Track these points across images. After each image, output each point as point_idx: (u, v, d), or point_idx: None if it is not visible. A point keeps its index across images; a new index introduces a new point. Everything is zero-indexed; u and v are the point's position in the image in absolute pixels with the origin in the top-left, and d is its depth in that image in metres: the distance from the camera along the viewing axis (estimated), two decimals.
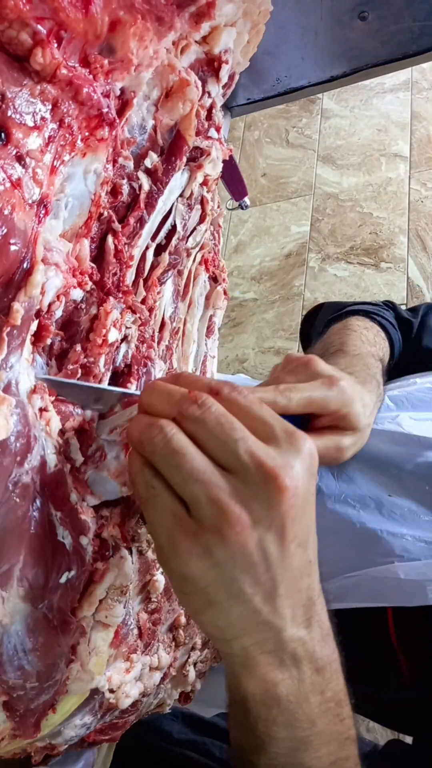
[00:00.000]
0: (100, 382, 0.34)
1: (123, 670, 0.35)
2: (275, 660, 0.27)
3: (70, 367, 0.31)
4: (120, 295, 0.35)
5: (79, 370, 0.32)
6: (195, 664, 0.48)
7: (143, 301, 0.38)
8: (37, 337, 0.29)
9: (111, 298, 0.34)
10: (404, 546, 0.41)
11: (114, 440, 0.34)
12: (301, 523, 0.26)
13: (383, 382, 0.50)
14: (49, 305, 0.29)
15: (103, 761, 0.49)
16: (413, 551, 0.40)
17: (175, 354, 0.50)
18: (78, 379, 0.32)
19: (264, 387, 0.39)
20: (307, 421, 0.40)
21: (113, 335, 0.34)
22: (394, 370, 0.54)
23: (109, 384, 0.36)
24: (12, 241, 0.24)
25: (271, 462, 0.26)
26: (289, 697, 0.27)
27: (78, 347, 0.32)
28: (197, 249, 0.48)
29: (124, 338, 0.36)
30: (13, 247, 0.24)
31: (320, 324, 0.64)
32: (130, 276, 0.36)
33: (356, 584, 0.41)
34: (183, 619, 0.45)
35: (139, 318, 0.36)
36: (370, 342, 0.53)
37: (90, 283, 0.32)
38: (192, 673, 0.47)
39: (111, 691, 0.35)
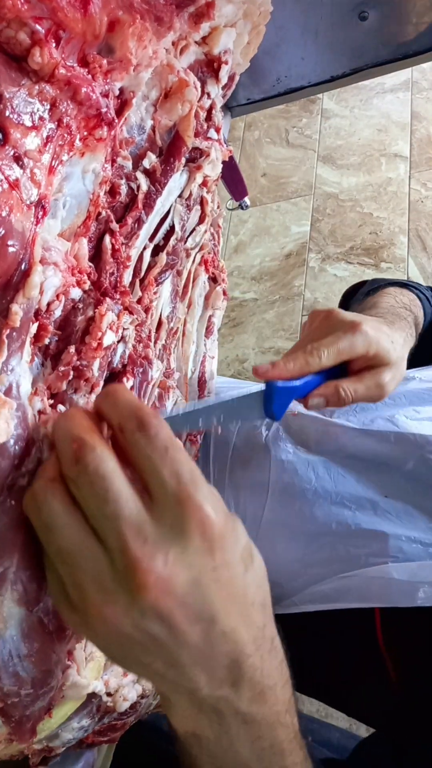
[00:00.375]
0: (92, 387, 0.33)
1: (120, 673, 0.35)
2: (194, 709, 0.26)
3: (62, 368, 0.31)
4: (117, 296, 0.35)
5: (71, 372, 0.31)
6: None
7: (139, 301, 0.38)
8: (36, 337, 0.29)
9: (108, 299, 0.33)
10: (399, 546, 0.41)
11: None
12: (188, 610, 0.23)
13: (415, 332, 0.52)
14: (48, 304, 0.29)
15: (103, 761, 0.49)
16: (408, 552, 0.40)
17: (174, 354, 0.50)
18: (69, 381, 0.32)
19: (293, 352, 0.42)
20: (344, 368, 0.43)
21: (109, 338, 0.33)
22: (418, 356, 0.54)
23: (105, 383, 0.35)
24: (9, 242, 0.24)
25: (137, 549, 0.22)
26: (211, 742, 0.27)
27: (72, 348, 0.31)
28: (197, 249, 0.48)
29: (121, 338, 0.36)
30: (10, 249, 0.24)
31: (360, 296, 0.66)
32: (127, 276, 0.36)
33: (349, 585, 0.41)
34: None
35: (136, 318, 0.36)
36: (403, 304, 0.55)
37: (88, 283, 0.32)
38: None
39: (108, 694, 0.34)
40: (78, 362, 0.32)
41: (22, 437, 0.26)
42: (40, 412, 0.28)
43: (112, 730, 0.42)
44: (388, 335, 0.43)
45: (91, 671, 0.30)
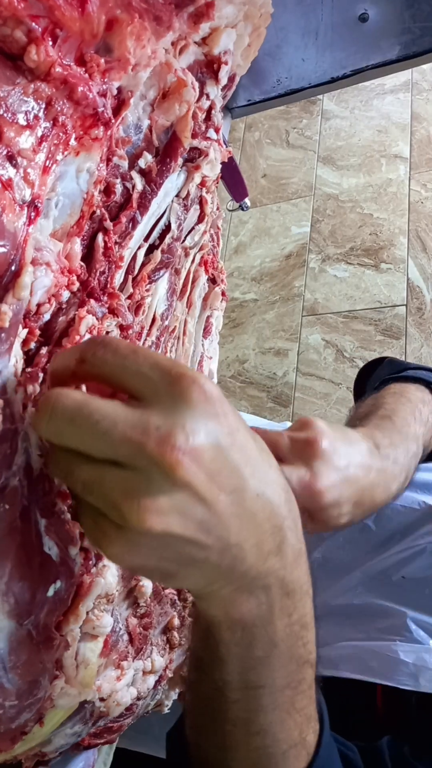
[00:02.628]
0: None
1: (114, 678, 0.34)
2: (245, 591, 0.26)
3: (29, 369, 0.29)
4: (104, 299, 0.34)
5: (40, 374, 0.29)
6: None
7: (130, 297, 0.37)
8: (23, 341, 0.29)
9: (92, 300, 0.32)
10: (409, 627, 0.41)
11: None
12: (218, 478, 0.23)
13: (414, 467, 0.47)
14: (38, 306, 0.28)
15: (104, 761, 0.49)
16: (416, 634, 0.41)
17: (173, 353, 0.50)
18: (39, 385, 0.30)
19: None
20: None
21: None
22: None
23: None
24: (1, 243, 0.24)
25: (152, 439, 0.22)
26: (255, 621, 0.26)
27: (44, 350, 0.30)
28: (196, 249, 0.48)
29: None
30: (1, 249, 0.24)
31: (376, 380, 0.61)
32: (118, 277, 0.35)
33: (354, 655, 0.42)
34: (177, 621, 0.45)
35: (121, 321, 0.35)
36: (421, 421, 0.50)
37: (77, 284, 0.31)
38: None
39: (101, 699, 0.34)
40: (48, 365, 0.30)
41: (10, 433, 0.26)
42: (24, 405, 0.27)
43: (109, 732, 0.42)
44: (354, 498, 0.38)
45: (85, 678, 0.30)
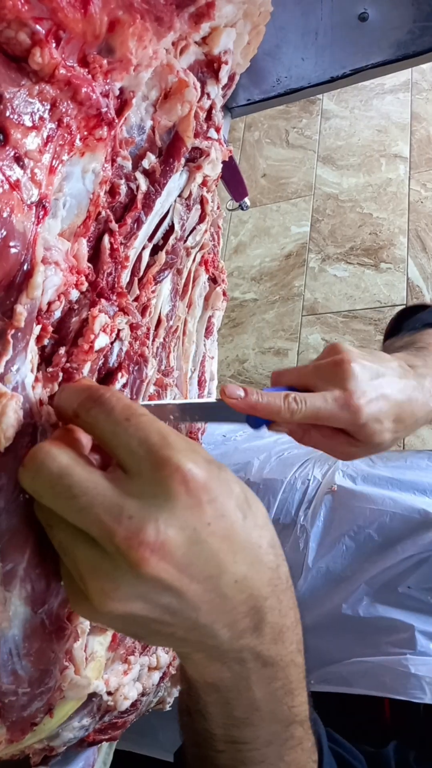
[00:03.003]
0: None
1: (121, 672, 0.35)
2: (217, 660, 0.26)
3: (50, 369, 0.30)
4: (113, 298, 0.34)
5: (60, 374, 0.30)
6: None
7: (137, 299, 0.38)
8: (37, 338, 0.29)
9: (103, 300, 0.33)
10: (419, 640, 0.41)
11: None
12: (190, 569, 0.23)
13: None
14: (49, 304, 0.29)
15: (104, 760, 0.49)
16: (426, 646, 0.41)
17: (174, 353, 0.50)
18: (58, 384, 0.31)
19: (282, 377, 0.39)
20: None
21: (102, 341, 0.33)
22: None
23: (100, 383, 0.35)
24: (11, 243, 0.24)
25: (123, 530, 0.21)
26: (230, 687, 0.26)
27: (62, 350, 0.31)
28: (197, 249, 0.48)
29: (117, 337, 0.36)
30: (12, 250, 0.24)
31: (417, 321, 0.60)
32: (125, 277, 0.36)
33: (366, 671, 0.42)
34: None
35: (131, 319, 0.36)
36: None
37: (86, 284, 0.32)
38: None
39: (109, 693, 0.35)
40: (68, 364, 0.31)
41: (30, 429, 0.26)
42: (41, 401, 0.28)
43: (114, 728, 0.42)
44: (394, 414, 0.38)
45: (92, 671, 0.30)
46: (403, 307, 0.69)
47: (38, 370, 0.29)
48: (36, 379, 0.28)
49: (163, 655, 0.41)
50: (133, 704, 0.40)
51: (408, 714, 0.42)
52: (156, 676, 0.41)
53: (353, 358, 0.37)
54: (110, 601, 0.22)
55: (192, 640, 0.25)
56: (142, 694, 0.39)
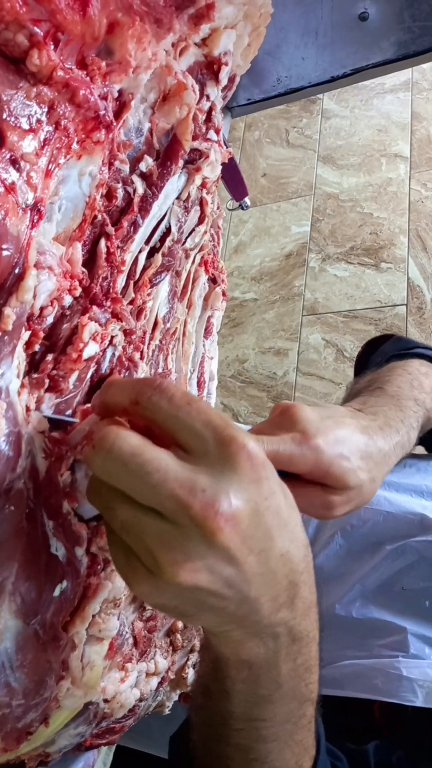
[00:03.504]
0: (67, 399, 0.32)
1: (118, 680, 0.34)
2: (255, 636, 0.27)
3: (35, 376, 0.29)
4: (107, 304, 0.34)
5: (46, 381, 0.30)
6: (194, 666, 0.47)
7: (132, 302, 0.37)
8: (27, 343, 0.29)
9: (95, 307, 0.32)
10: (412, 643, 0.41)
11: (79, 459, 0.32)
12: (250, 542, 0.24)
13: (418, 431, 0.44)
14: (42, 309, 0.29)
15: (103, 761, 0.49)
16: (419, 649, 0.41)
17: (174, 354, 0.50)
18: (45, 391, 0.30)
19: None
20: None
21: (91, 350, 0.32)
22: None
23: (93, 390, 0.34)
24: (4, 246, 0.24)
25: (198, 502, 0.23)
26: (262, 663, 0.28)
27: (50, 356, 0.30)
28: (196, 250, 0.48)
29: (111, 342, 0.35)
30: (5, 252, 0.24)
31: (381, 355, 0.58)
32: (120, 282, 0.35)
33: (358, 673, 0.42)
34: (180, 624, 0.45)
35: (125, 325, 0.35)
36: (421, 388, 0.47)
37: (79, 289, 0.31)
38: (191, 675, 0.47)
39: (105, 701, 0.34)
40: (54, 372, 0.30)
41: (13, 436, 0.26)
42: (27, 408, 0.28)
43: (111, 733, 0.42)
44: (357, 451, 0.36)
45: (90, 680, 0.30)
46: (369, 339, 0.67)
47: (25, 375, 0.29)
48: (22, 386, 0.27)
49: (162, 661, 0.41)
50: (131, 710, 0.39)
51: (397, 716, 0.42)
52: (154, 681, 0.41)
53: (298, 405, 0.36)
54: (182, 572, 0.23)
55: (239, 614, 0.26)
56: (140, 700, 0.39)
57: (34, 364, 0.30)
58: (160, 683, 0.42)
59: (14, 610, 0.25)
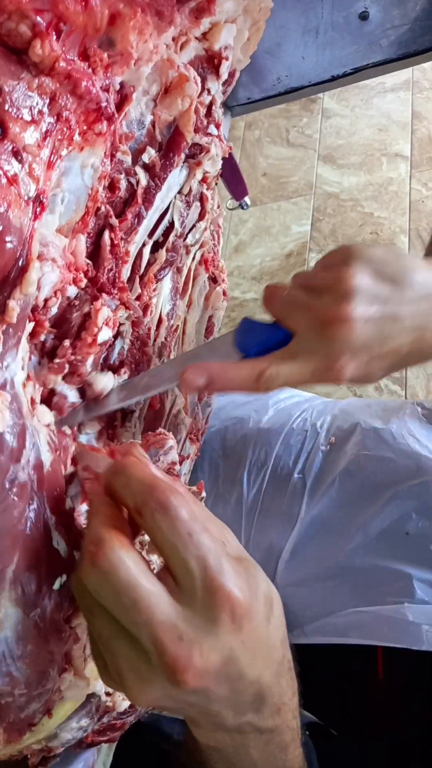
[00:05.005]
0: (81, 382, 0.33)
1: None
2: (220, 732, 0.28)
3: (57, 361, 0.31)
4: (115, 292, 0.34)
5: (66, 366, 0.31)
6: None
7: (138, 298, 0.38)
8: (31, 333, 0.29)
9: (104, 294, 0.33)
10: (418, 588, 0.40)
11: (79, 477, 0.32)
12: (216, 682, 0.25)
13: None
14: (45, 301, 0.29)
15: (103, 762, 0.49)
16: (426, 594, 0.40)
17: (175, 353, 0.50)
18: (64, 377, 0.32)
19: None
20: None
21: (105, 334, 0.33)
22: None
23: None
24: (7, 238, 0.24)
25: (173, 650, 0.23)
26: (230, 752, 0.29)
27: (67, 342, 0.31)
28: (197, 247, 0.48)
29: (118, 334, 0.36)
30: (8, 245, 0.24)
31: None
32: (125, 272, 0.36)
33: (362, 621, 0.41)
34: None
35: (132, 314, 0.36)
36: None
37: (85, 280, 0.31)
38: None
39: (108, 694, 0.34)
40: (73, 357, 0.32)
41: (18, 428, 0.26)
42: (32, 400, 0.28)
43: (112, 730, 0.42)
44: (396, 360, 0.33)
45: (92, 671, 0.30)
46: None
47: (39, 365, 0.29)
48: (28, 378, 0.27)
49: None
50: (132, 706, 0.39)
51: (401, 668, 0.42)
52: None
53: (356, 312, 0.31)
54: (142, 696, 0.24)
55: (200, 718, 0.27)
56: None
57: (45, 352, 0.31)
58: None
59: (14, 599, 0.25)
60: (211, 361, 0.35)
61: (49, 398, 0.32)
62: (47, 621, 0.28)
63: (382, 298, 0.32)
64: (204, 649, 0.24)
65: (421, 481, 0.45)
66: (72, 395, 0.33)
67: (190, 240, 0.46)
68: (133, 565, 0.24)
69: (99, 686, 0.32)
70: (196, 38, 0.40)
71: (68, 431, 0.32)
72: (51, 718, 0.30)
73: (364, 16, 0.68)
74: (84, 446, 0.33)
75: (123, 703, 0.36)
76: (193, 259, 0.48)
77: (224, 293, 0.55)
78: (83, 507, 0.31)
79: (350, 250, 0.34)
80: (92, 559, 0.24)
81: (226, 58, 0.43)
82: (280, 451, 0.55)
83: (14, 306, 0.25)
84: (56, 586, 0.28)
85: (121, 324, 0.35)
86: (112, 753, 0.49)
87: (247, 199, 1.11)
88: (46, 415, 0.29)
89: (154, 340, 0.42)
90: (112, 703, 0.35)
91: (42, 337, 0.29)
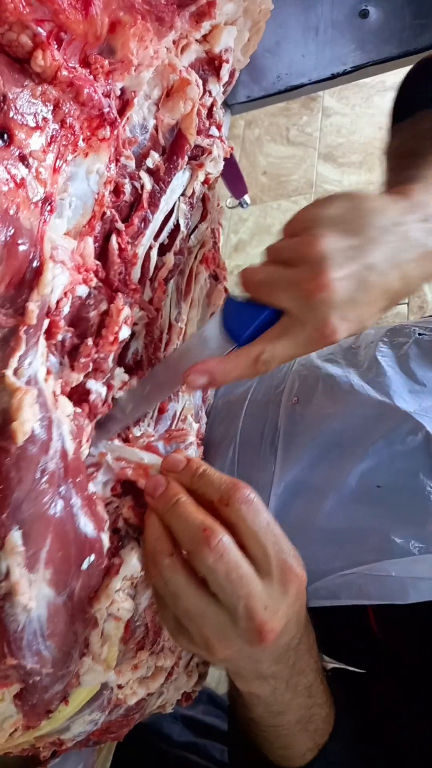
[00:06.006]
0: (107, 378, 0.35)
1: (131, 666, 0.36)
2: (259, 679, 0.34)
3: (82, 360, 0.33)
4: (129, 292, 0.35)
5: (90, 365, 0.33)
6: (198, 665, 0.48)
7: (150, 302, 0.39)
8: (48, 334, 0.30)
9: (120, 294, 0.34)
10: (393, 542, 0.40)
11: (113, 467, 0.35)
12: (275, 644, 0.31)
13: None
14: (57, 302, 0.30)
15: (103, 762, 0.49)
16: (402, 546, 0.40)
17: None
18: (87, 375, 0.34)
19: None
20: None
21: (124, 332, 0.35)
22: None
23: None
24: (20, 241, 0.25)
25: (260, 616, 0.29)
26: (268, 696, 0.35)
27: (90, 341, 0.33)
28: (198, 247, 0.48)
29: (132, 335, 0.37)
30: (21, 247, 0.25)
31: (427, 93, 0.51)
32: (135, 274, 0.36)
33: (350, 582, 0.41)
34: None
35: (147, 316, 0.36)
36: None
37: (95, 280, 0.32)
38: (195, 674, 0.48)
39: (119, 687, 0.35)
40: (96, 355, 0.33)
41: (46, 421, 0.28)
42: (54, 393, 0.29)
43: (119, 727, 0.43)
44: (388, 296, 0.33)
45: (108, 655, 0.32)
46: (410, 70, 0.52)
47: (60, 365, 0.31)
48: (48, 372, 0.29)
49: (169, 656, 0.42)
50: (139, 703, 0.40)
51: (394, 625, 0.43)
52: (161, 676, 0.41)
53: (333, 275, 0.32)
54: (224, 654, 0.31)
55: (248, 668, 0.33)
56: (148, 693, 0.40)
57: (65, 351, 0.33)
58: (167, 678, 0.43)
59: (48, 579, 0.28)
60: (204, 354, 0.36)
61: (70, 396, 0.34)
62: (75, 600, 0.30)
63: (352, 253, 0.32)
64: (280, 615, 0.30)
65: (386, 431, 0.43)
66: (100, 389, 0.35)
67: (192, 241, 0.46)
68: (236, 548, 0.30)
69: (112, 676, 0.34)
70: (197, 41, 0.41)
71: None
72: (67, 706, 0.32)
73: (364, 15, 0.68)
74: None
75: (133, 697, 0.37)
76: (195, 259, 0.49)
77: (226, 291, 0.55)
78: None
79: (310, 216, 0.34)
80: (208, 543, 0.29)
81: (227, 61, 0.43)
82: (245, 423, 0.54)
83: (33, 308, 0.26)
84: (84, 566, 0.31)
85: (134, 324, 0.36)
86: (111, 753, 0.50)
87: (246, 197, 1.11)
88: (67, 406, 0.31)
89: (166, 344, 0.43)
90: (123, 696, 0.36)
91: (59, 337, 0.30)
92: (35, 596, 0.27)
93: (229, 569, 0.29)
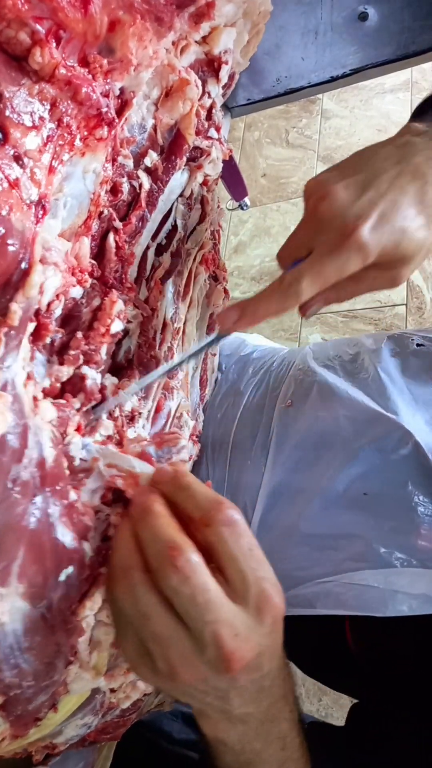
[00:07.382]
0: (101, 370, 0.35)
1: (123, 669, 0.35)
2: (226, 722, 0.31)
3: (72, 352, 0.32)
4: (124, 290, 0.35)
5: (81, 357, 0.32)
6: None
7: (146, 301, 0.38)
8: (36, 336, 0.29)
9: (113, 290, 0.34)
10: (375, 550, 0.39)
11: (104, 474, 0.33)
12: (248, 669, 0.28)
13: None
14: (48, 304, 0.29)
15: (103, 761, 0.49)
16: (384, 556, 0.39)
17: (177, 354, 0.50)
18: (78, 367, 0.33)
19: (273, 288, 0.34)
20: None
21: (117, 326, 0.34)
22: None
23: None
24: (10, 241, 0.24)
25: (230, 644, 0.27)
26: (235, 744, 0.32)
27: (79, 334, 0.32)
28: (197, 248, 0.48)
29: (126, 333, 0.36)
30: (11, 248, 0.24)
31: None
32: (131, 273, 0.36)
33: (327, 591, 0.40)
34: None
35: (141, 314, 0.36)
36: None
37: (90, 280, 0.32)
38: None
39: (112, 690, 0.35)
40: (86, 347, 0.33)
41: (20, 428, 0.26)
42: (34, 398, 0.28)
43: (116, 728, 0.42)
44: (412, 206, 0.33)
45: (98, 663, 0.31)
46: None
47: (49, 363, 0.30)
48: (28, 377, 0.28)
49: None
50: (135, 703, 0.40)
51: (368, 636, 0.41)
52: None
53: (327, 189, 0.33)
54: (188, 678, 0.28)
55: (215, 705, 0.30)
56: (144, 694, 0.39)
57: (54, 350, 0.32)
58: None
59: (21, 592, 0.26)
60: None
61: (60, 392, 0.33)
62: (54, 612, 0.28)
63: (374, 201, 0.33)
64: (252, 644, 0.28)
65: (376, 436, 0.43)
66: (95, 375, 0.34)
67: (190, 243, 0.46)
68: (205, 570, 0.27)
69: (103, 682, 0.33)
70: (196, 42, 0.41)
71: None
72: (56, 713, 0.31)
73: (363, 17, 0.68)
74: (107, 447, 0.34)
75: (126, 701, 0.36)
76: (194, 261, 0.48)
77: (225, 291, 0.55)
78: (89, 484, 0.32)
79: (320, 191, 0.34)
80: (174, 562, 0.27)
81: (226, 62, 0.43)
82: (240, 425, 0.54)
83: (16, 309, 0.25)
84: (62, 577, 0.29)
85: (128, 322, 0.35)
86: (112, 752, 0.50)
87: (246, 199, 1.11)
88: (48, 412, 0.29)
89: (160, 344, 0.42)
90: (116, 699, 0.36)
91: (48, 339, 0.30)
92: (8, 610, 0.26)
93: (195, 593, 0.27)
